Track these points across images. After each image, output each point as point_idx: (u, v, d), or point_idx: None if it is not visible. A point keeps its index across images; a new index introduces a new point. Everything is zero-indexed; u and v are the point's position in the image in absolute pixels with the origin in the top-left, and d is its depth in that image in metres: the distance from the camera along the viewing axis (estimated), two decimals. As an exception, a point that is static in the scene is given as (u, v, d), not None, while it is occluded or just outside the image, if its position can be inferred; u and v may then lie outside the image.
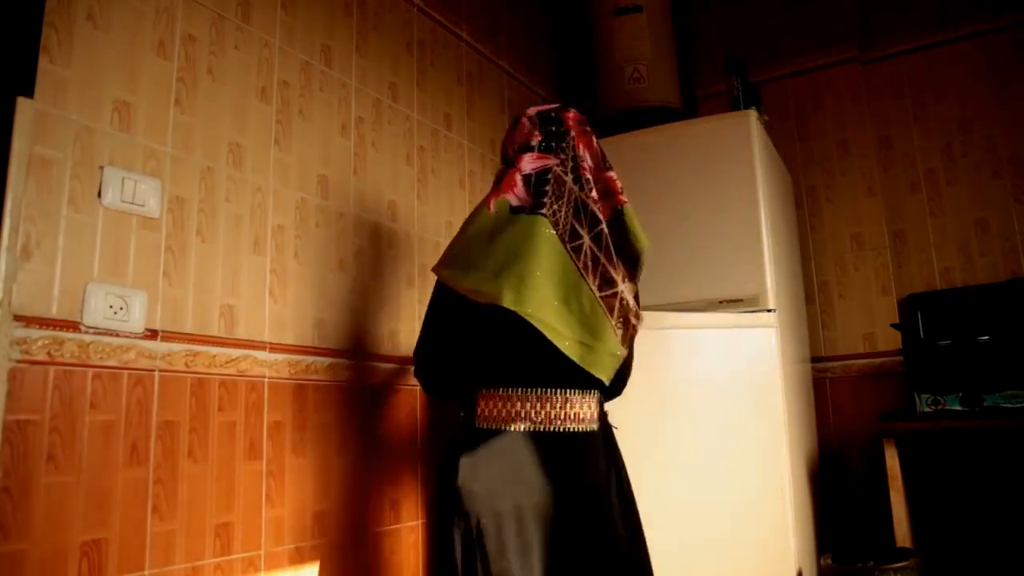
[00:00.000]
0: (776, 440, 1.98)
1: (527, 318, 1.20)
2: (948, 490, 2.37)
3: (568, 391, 1.28)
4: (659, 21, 2.74)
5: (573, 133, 1.32)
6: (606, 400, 1.38)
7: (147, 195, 1.39)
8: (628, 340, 1.30)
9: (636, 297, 1.35)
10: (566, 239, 1.26)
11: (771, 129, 2.60)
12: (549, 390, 1.28)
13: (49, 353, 1.21)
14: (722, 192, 2.09)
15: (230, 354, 1.52)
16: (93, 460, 1.25)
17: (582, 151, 1.32)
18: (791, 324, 2.32)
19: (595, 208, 1.28)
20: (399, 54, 2.15)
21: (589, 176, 1.31)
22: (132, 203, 1.36)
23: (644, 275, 1.40)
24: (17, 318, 1.18)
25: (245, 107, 1.64)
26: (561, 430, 1.27)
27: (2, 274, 1.16)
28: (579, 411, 1.29)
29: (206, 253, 1.51)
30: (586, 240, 1.26)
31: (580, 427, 1.28)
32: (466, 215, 2.32)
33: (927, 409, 2.10)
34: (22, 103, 1.21)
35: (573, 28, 3.11)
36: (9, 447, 1.14)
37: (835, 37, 2.83)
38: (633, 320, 1.29)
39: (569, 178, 1.29)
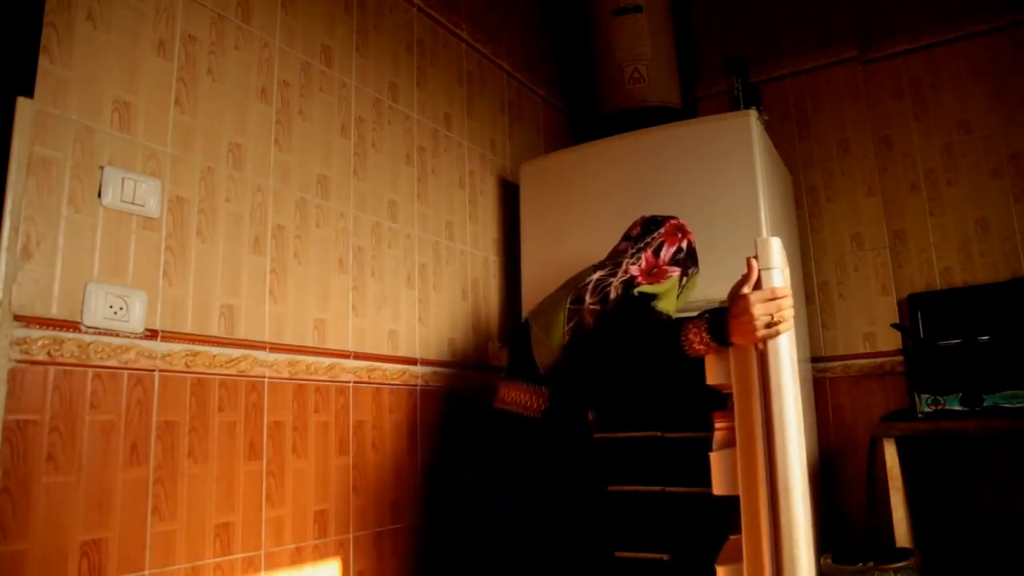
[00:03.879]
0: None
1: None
2: (948, 490, 2.37)
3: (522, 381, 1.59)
4: (659, 21, 2.74)
5: (662, 231, 1.64)
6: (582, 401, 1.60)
7: (147, 195, 1.39)
8: (569, 343, 1.54)
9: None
10: (586, 274, 1.63)
11: (771, 129, 2.60)
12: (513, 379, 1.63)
13: (49, 353, 1.21)
14: (722, 192, 2.08)
15: (230, 354, 1.52)
16: (93, 460, 1.25)
17: (656, 242, 1.63)
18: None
19: (623, 269, 1.60)
20: (399, 54, 2.15)
21: (643, 256, 1.62)
22: (132, 203, 1.37)
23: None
24: (17, 318, 1.18)
25: (245, 107, 1.64)
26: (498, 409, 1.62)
27: (2, 274, 1.16)
28: (520, 397, 1.58)
29: (206, 253, 1.51)
30: (594, 276, 1.60)
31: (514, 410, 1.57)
32: (465, 215, 2.35)
33: (927, 409, 2.10)
34: (22, 103, 1.22)
35: (573, 28, 3.11)
36: (9, 447, 1.14)
37: (835, 37, 2.83)
38: (580, 333, 1.55)
39: (629, 252, 1.64)
